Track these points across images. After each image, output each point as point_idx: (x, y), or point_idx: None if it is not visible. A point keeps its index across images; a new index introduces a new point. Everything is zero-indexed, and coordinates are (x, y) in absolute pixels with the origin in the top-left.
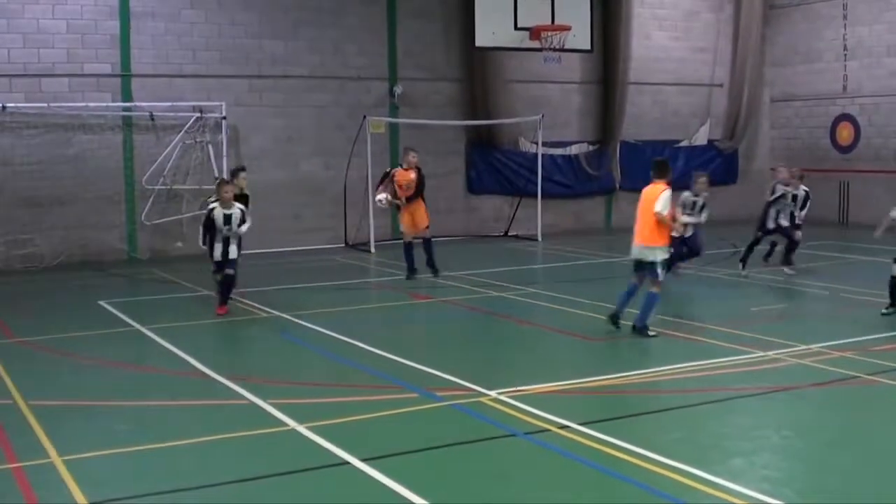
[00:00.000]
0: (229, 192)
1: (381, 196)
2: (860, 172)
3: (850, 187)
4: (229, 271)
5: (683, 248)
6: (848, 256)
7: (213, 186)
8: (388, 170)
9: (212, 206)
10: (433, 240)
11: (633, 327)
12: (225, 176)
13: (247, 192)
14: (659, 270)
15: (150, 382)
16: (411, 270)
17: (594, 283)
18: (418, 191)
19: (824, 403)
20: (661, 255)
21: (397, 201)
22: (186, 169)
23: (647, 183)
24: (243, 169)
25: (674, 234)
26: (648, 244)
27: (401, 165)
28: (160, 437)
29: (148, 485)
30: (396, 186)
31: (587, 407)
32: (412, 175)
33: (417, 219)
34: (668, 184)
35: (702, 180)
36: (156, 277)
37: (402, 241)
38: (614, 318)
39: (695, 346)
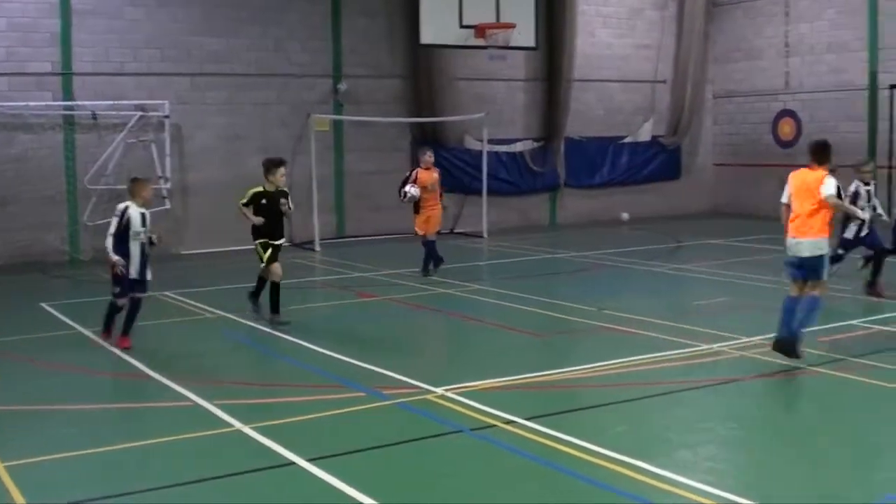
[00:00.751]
0: (148, 192)
1: (411, 189)
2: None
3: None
4: (141, 295)
5: (872, 245)
6: None
7: (157, 185)
8: (408, 173)
9: (125, 204)
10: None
11: (779, 341)
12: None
13: (285, 188)
14: (824, 269)
15: (92, 386)
16: (437, 262)
17: (539, 279)
18: (440, 191)
19: (768, 395)
20: (825, 249)
21: (425, 194)
22: (129, 168)
23: (590, 178)
24: (283, 163)
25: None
26: (810, 237)
27: (420, 166)
28: (103, 441)
29: (91, 489)
30: (420, 187)
31: (533, 402)
32: (435, 175)
33: (433, 221)
34: (831, 170)
35: (870, 167)
36: (98, 279)
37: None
38: (790, 346)
39: (639, 339)
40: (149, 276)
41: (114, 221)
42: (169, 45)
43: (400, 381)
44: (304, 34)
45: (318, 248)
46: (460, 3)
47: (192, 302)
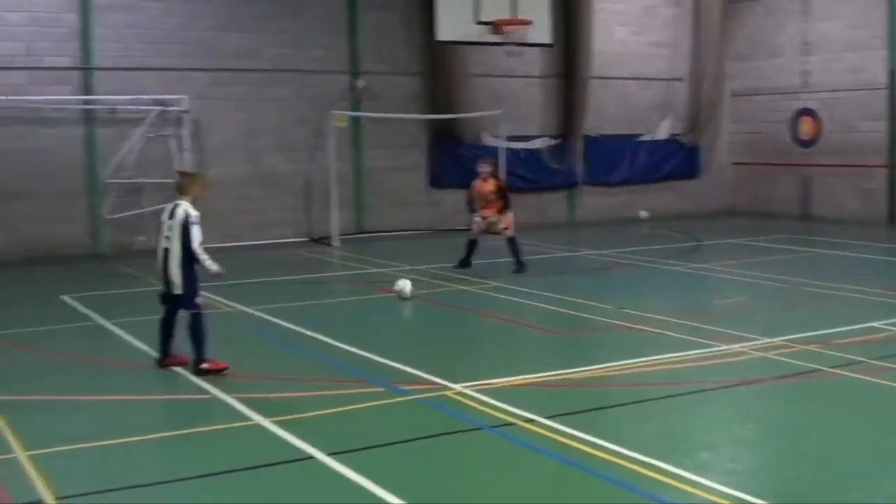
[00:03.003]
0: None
1: (477, 219)
2: (821, 167)
3: (811, 181)
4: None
5: None
6: (809, 250)
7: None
8: (468, 187)
9: (196, 211)
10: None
11: None
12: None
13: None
14: None
15: (113, 377)
16: (464, 262)
17: (558, 276)
18: (502, 201)
19: (788, 396)
20: None
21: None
22: (148, 163)
23: (608, 176)
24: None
25: None
26: None
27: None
28: (125, 432)
29: (114, 480)
30: (478, 198)
31: (552, 400)
32: (490, 186)
33: (489, 227)
34: None
35: None
36: (118, 272)
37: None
38: None
39: (658, 339)
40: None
41: (197, 228)
42: (188, 41)
43: (419, 376)
44: (321, 30)
45: (336, 243)
46: None
47: (211, 296)
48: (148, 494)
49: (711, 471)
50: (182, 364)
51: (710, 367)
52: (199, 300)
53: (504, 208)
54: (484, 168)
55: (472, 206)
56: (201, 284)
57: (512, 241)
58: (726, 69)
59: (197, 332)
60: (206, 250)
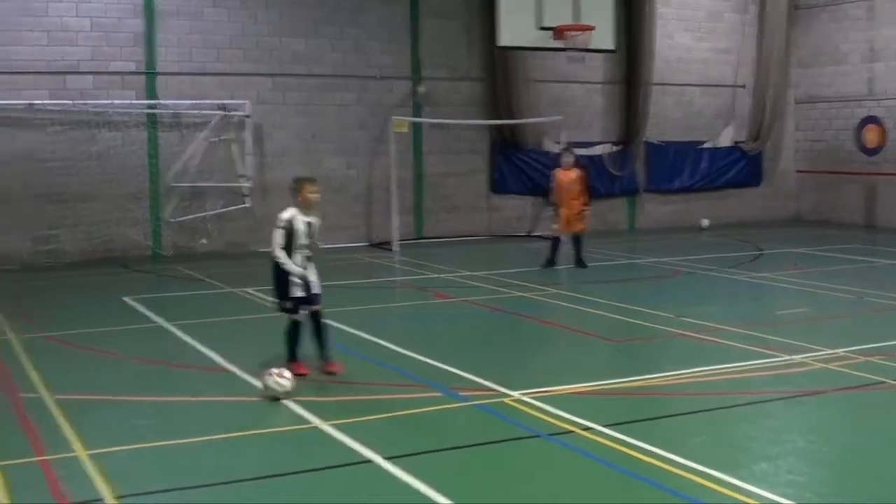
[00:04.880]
0: (316, 192)
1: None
2: (886, 175)
3: (876, 190)
4: (316, 306)
5: None
6: (873, 260)
7: (238, 183)
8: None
9: (289, 214)
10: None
11: None
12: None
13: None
14: None
15: (173, 378)
16: (550, 262)
17: (617, 284)
18: (584, 190)
19: (849, 408)
20: None
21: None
22: (210, 166)
23: (669, 183)
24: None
25: None
26: None
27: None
28: (184, 433)
29: (172, 480)
30: (558, 188)
31: (611, 408)
32: (573, 174)
33: (573, 220)
34: None
35: None
36: (180, 274)
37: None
38: None
39: (720, 348)
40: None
41: (278, 232)
42: (251, 46)
43: (477, 382)
44: (383, 36)
45: (396, 248)
46: (539, 4)
47: (270, 299)
48: (207, 495)
49: (770, 482)
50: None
51: (771, 378)
52: (288, 304)
53: (587, 201)
54: (567, 158)
55: (553, 201)
56: (296, 291)
57: (578, 239)
58: (790, 76)
59: (285, 335)
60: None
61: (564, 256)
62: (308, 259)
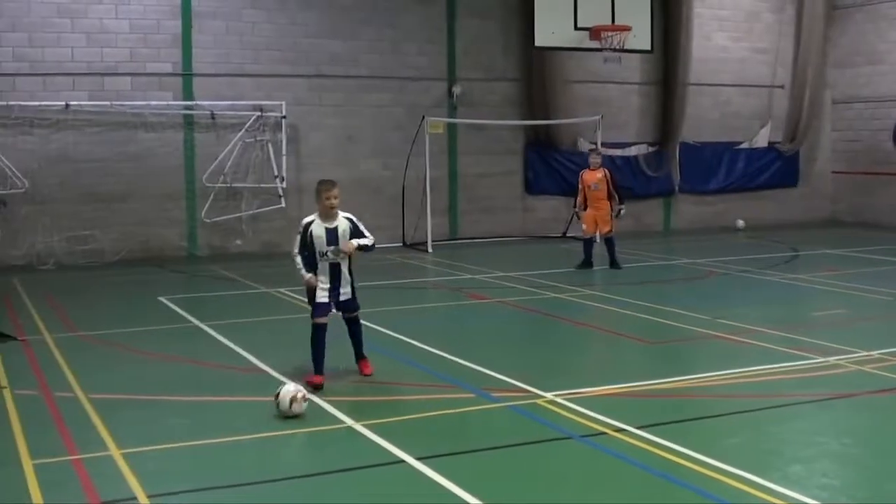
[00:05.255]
0: (335, 196)
1: (579, 210)
2: None
3: None
4: (352, 314)
5: None
6: None
7: (273, 184)
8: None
9: (308, 220)
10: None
11: None
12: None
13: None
14: None
15: (207, 378)
16: (586, 263)
17: (652, 285)
18: (610, 191)
19: (884, 411)
20: None
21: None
22: (246, 167)
23: (705, 184)
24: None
25: None
26: None
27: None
28: (217, 433)
29: (204, 480)
30: (584, 187)
31: (644, 410)
32: (599, 174)
33: (600, 221)
34: None
35: None
36: (215, 274)
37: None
38: None
39: (753, 350)
40: (345, 294)
41: (297, 237)
42: (287, 48)
43: (510, 383)
44: (419, 37)
45: (430, 249)
46: (575, 5)
47: (304, 299)
48: (239, 495)
49: (804, 485)
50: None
51: (806, 380)
52: (314, 311)
53: (620, 201)
54: (594, 159)
55: (580, 204)
56: (319, 295)
57: (609, 241)
58: (827, 76)
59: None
60: (366, 235)
61: (599, 258)
62: (335, 267)
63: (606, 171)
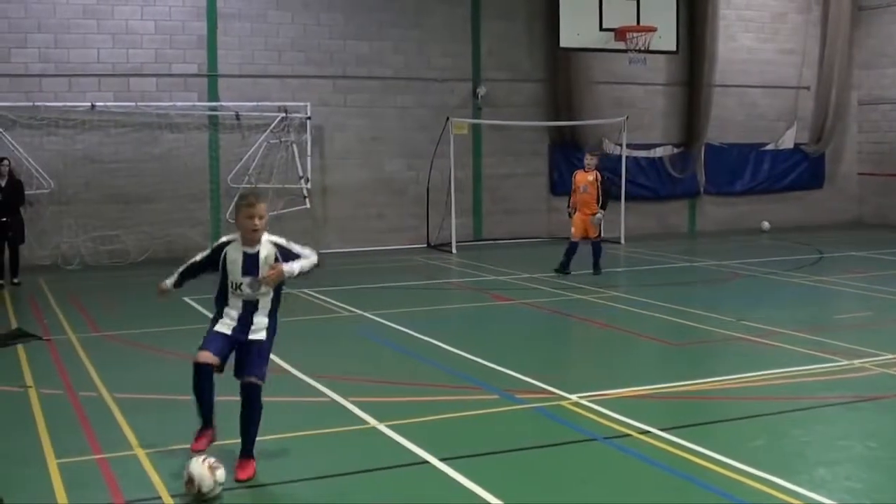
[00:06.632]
0: (259, 216)
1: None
2: None
3: None
4: (251, 379)
5: None
6: None
7: (298, 185)
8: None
9: (225, 239)
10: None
11: None
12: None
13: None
14: None
15: (231, 378)
16: (563, 268)
17: (676, 287)
18: (598, 196)
19: None
20: None
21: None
22: (271, 168)
23: (730, 186)
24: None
25: None
26: None
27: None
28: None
29: (228, 479)
30: (575, 188)
31: (668, 412)
32: (590, 177)
33: (589, 226)
34: None
35: None
36: None
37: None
38: None
39: (777, 352)
40: (257, 333)
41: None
42: (311, 49)
43: (533, 385)
44: (444, 38)
45: (454, 250)
46: (600, 5)
47: (329, 300)
48: (262, 495)
49: (828, 488)
50: None
51: (830, 382)
52: (202, 342)
53: (603, 206)
54: (589, 160)
55: (572, 205)
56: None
57: (596, 245)
58: (853, 77)
59: None
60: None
61: (579, 261)
62: (250, 306)
63: (599, 174)
